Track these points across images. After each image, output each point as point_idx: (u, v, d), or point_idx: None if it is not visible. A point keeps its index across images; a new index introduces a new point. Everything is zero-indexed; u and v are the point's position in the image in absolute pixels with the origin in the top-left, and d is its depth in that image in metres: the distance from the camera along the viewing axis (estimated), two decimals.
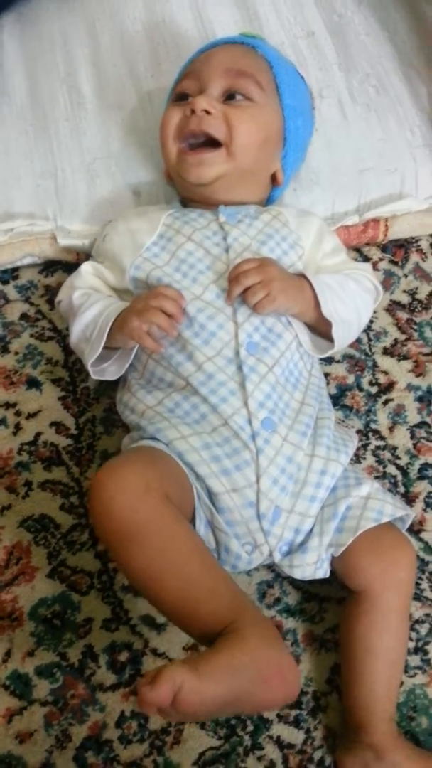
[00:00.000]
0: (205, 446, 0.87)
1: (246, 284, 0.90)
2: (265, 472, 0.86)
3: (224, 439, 0.87)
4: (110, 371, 0.96)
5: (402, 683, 0.91)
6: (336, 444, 0.92)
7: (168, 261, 0.96)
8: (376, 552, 0.86)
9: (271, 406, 0.89)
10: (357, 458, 1.03)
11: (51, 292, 1.11)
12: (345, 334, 0.97)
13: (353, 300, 0.98)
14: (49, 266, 1.14)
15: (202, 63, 1.02)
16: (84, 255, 1.10)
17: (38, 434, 1.04)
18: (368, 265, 1.07)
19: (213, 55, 1.03)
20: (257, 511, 0.86)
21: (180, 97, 1.03)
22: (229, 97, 0.99)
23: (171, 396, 0.91)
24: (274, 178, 1.06)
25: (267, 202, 1.09)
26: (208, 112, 0.97)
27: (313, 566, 0.87)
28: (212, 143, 0.98)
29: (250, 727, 0.89)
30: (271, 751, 0.88)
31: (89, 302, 0.96)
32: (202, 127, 0.97)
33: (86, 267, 1.01)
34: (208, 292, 0.93)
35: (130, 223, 1.01)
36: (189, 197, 1.04)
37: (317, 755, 0.88)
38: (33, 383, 1.07)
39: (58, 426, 1.04)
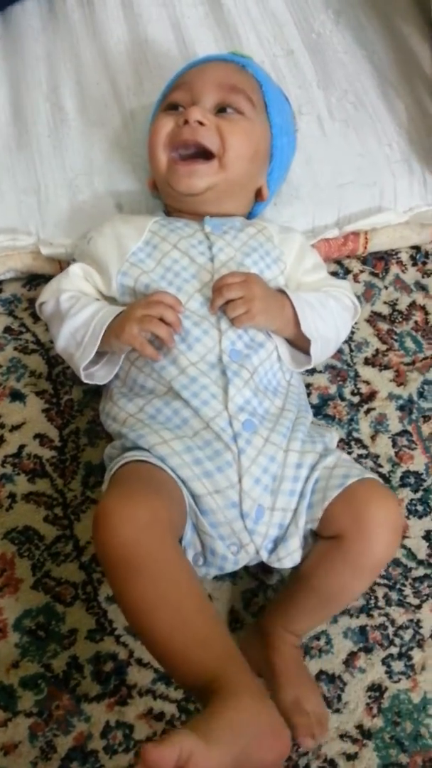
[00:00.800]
0: (187, 449, 0.87)
1: (228, 297, 0.91)
2: (246, 472, 0.87)
3: (205, 442, 0.88)
4: (99, 375, 0.96)
5: (386, 689, 0.92)
6: (311, 437, 0.93)
7: (154, 268, 0.97)
8: (349, 503, 0.85)
9: (251, 409, 0.90)
10: None
11: (34, 306, 1.12)
12: (323, 351, 0.99)
13: (332, 317, 0.99)
14: (33, 280, 1.15)
15: (195, 76, 1.04)
16: (67, 264, 1.09)
17: (22, 446, 1.04)
18: (347, 283, 1.08)
19: (206, 70, 1.04)
20: (240, 511, 0.87)
21: (171, 107, 1.03)
22: (220, 110, 1.01)
23: (152, 402, 0.91)
24: (258, 193, 1.08)
25: (249, 216, 1.10)
26: (201, 123, 0.98)
27: (299, 550, 0.88)
28: (203, 155, 0.99)
29: None
30: None
31: (79, 305, 0.97)
32: (195, 138, 0.98)
33: (75, 269, 1.01)
34: (193, 301, 0.95)
35: (116, 227, 1.02)
36: (175, 207, 1.05)
37: (302, 762, 0.88)
38: (17, 396, 1.07)
39: (41, 438, 1.05)
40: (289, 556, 0.88)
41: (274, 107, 1.06)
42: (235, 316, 0.91)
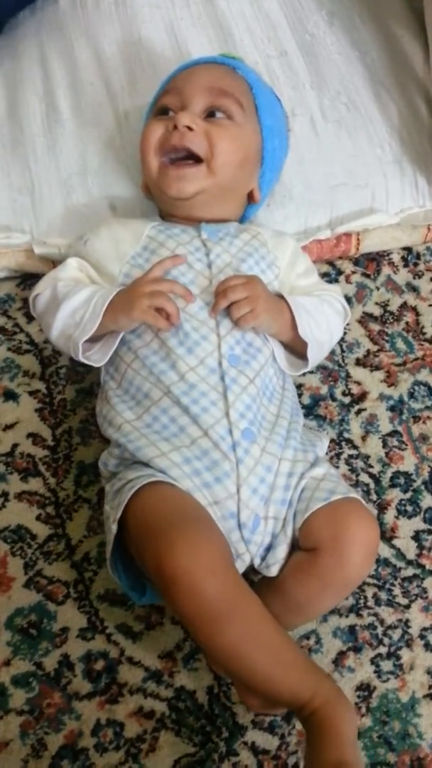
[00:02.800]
0: (186, 461, 0.88)
1: (232, 299, 0.91)
2: (245, 482, 0.87)
3: (203, 451, 0.88)
4: (95, 359, 0.95)
5: (375, 688, 0.93)
6: (303, 445, 0.94)
7: None
8: (330, 519, 0.86)
9: (250, 417, 0.90)
10: None
11: (28, 306, 1.12)
12: (318, 354, 0.99)
13: (327, 321, 1.00)
14: (27, 279, 1.16)
15: (185, 80, 1.04)
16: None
17: (15, 445, 1.04)
18: (338, 287, 1.09)
19: (196, 73, 1.04)
20: (238, 522, 0.87)
21: (161, 111, 1.03)
22: (209, 114, 1.01)
23: (149, 410, 0.91)
24: (250, 196, 1.08)
25: (242, 219, 1.10)
26: (190, 128, 0.98)
27: (285, 559, 0.89)
28: (193, 158, 0.99)
29: (225, 734, 0.90)
30: (246, 757, 0.89)
31: (77, 288, 0.96)
32: (184, 143, 0.98)
33: (71, 261, 1.01)
34: (191, 306, 0.94)
35: (113, 231, 1.02)
36: (168, 211, 1.05)
37: (291, 760, 0.89)
38: (10, 395, 1.08)
39: (34, 437, 1.05)
40: (277, 564, 0.88)
41: (264, 109, 1.06)
42: (239, 316, 0.92)
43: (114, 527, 0.85)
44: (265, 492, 0.89)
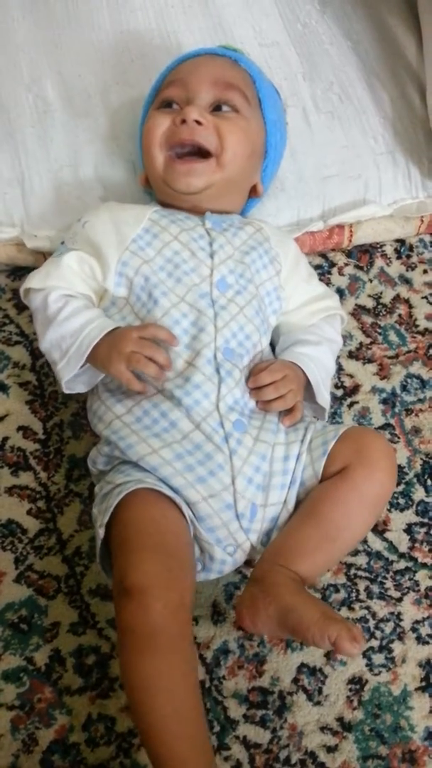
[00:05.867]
0: (177, 457, 0.87)
1: (270, 395, 0.92)
2: (239, 472, 0.87)
3: (195, 445, 0.88)
4: (81, 381, 0.95)
5: (367, 682, 0.92)
6: (294, 425, 0.94)
7: (153, 258, 0.95)
8: (347, 442, 0.90)
9: (239, 409, 0.90)
10: None
11: (18, 297, 1.11)
12: (327, 395, 0.99)
13: (334, 355, 1.02)
14: (17, 270, 1.15)
15: (189, 72, 1.02)
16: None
17: (5, 439, 1.04)
18: (336, 298, 1.08)
19: (200, 65, 1.03)
20: (236, 512, 0.87)
21: (165, 104, 1.02)
22: (215, 108, 1.00)
23: (140, 404, 0.90)
24: (252, 190, 1.08)
25: (242, 212, 1.10)
26: (199, 123, 0.97)
27: None
28: (199, 153, 0.98)
29: (217, 728, 0.89)
30: (238, 751, 0.88)
31: (68, 311, 0.94)
32: (193, 138, 0.97)
33: (68, 260, 0.97)
34: (191, 294, 0.94)
35: (114, 212, 1.00)
36: (172, 205, 1.02)
37: (283, 754, 0.88)
38: (0, 387, 1.07)
39: (25, 430, 1.04)
40: None
41: (267, 103, 1.05)
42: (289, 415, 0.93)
43: (101, 531, 0.84)
44: (261, 480, 0.89)
